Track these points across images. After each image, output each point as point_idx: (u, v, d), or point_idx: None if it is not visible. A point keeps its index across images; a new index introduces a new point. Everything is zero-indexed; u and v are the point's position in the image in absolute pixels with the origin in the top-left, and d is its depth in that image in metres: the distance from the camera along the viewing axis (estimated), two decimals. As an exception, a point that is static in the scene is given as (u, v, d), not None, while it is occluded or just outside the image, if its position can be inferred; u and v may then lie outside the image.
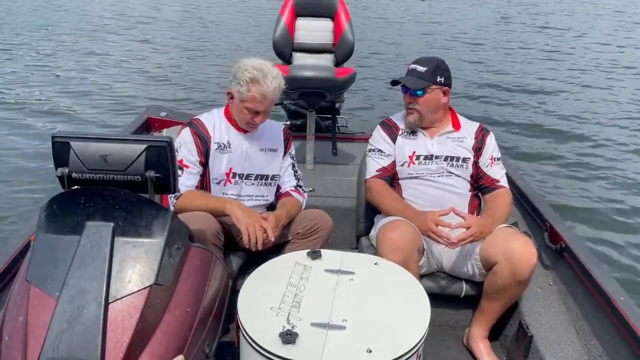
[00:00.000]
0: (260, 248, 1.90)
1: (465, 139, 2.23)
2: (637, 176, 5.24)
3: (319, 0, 3.62)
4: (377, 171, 2.23)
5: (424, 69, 2.17)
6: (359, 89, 7.34)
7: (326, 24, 3.63)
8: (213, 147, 2.08)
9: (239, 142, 2.12)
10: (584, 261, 2.10)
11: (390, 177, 2.25)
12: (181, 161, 2.03)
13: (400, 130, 2.27)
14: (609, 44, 11.87)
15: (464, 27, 13.27)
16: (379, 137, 2.29)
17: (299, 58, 3.62)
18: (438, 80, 2.16)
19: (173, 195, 1.97)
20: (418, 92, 2.16)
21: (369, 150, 2.31)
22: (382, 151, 2.26)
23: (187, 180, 2.04)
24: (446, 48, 10.71)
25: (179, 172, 1.97)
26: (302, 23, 3.64)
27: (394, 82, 2.23)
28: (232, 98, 2.06)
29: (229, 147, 2.10)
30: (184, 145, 2.06)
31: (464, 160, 2.20)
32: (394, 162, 2.24)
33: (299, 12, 3.63)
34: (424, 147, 2.21)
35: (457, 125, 2.26)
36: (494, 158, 2.23)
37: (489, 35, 12.53)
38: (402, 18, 14.66)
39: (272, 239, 1.93)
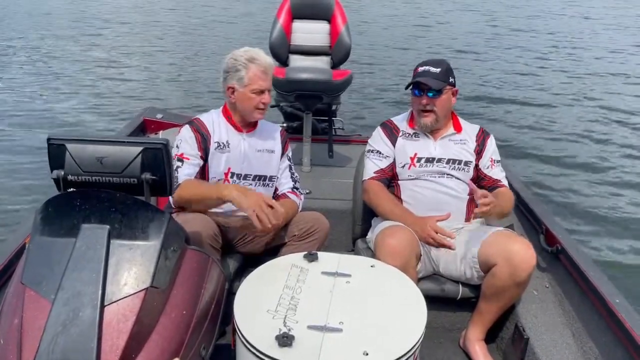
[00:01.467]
0: (273, 223, 1.83)
1: (467, 142, 2.23)
2: (633, 178, 5.26)
3: (315, 2, 3.61)
4: (374, 172, 2.23)
5: (437, 69, 2.12)
6: (356, 91, 7.35)
7: (323, 26, 3.62)
8: (213, 145, 2.08)
9: (237, 142, 2.12)
10: (579, 263, 2.11)
11: (388, 179, 2.24)
12: (182, 155, 2.02)
13: (401, 132, 2.25)
14: (607, 48, 11.92)
15: (460, 30, 13.29)
16: (378, 138, 2.28)
17: (296, 60, 3.62)
18: (450, 80, 2.15)
19: None
20: (429, 94, 2.11)
21: (368, 151, 2.30)
22: (380, 152, 2.24)
23: (186, 169, 2.01)
24: (442, 51, 10.72)
25: (179, 164, 1.98)
26: (298, 25, 3.63)
27: (413, 84, 2.13)
28: (233, 92, 2.06)
29: (228, 147, 2.10)
30: (185, 141, 2.05)
31: (466, 163, 2.20)
32: (392, 164, 2.23)
33: (296, 14, 3.62)
34: (426, 149, 2.20)
35: (458, 128, 2.25)
36: (494, 160, 2.24)
37: (484, 38, 12.56)
38: (399, 20, 14.68)
39: (281, 215, 1.88)
